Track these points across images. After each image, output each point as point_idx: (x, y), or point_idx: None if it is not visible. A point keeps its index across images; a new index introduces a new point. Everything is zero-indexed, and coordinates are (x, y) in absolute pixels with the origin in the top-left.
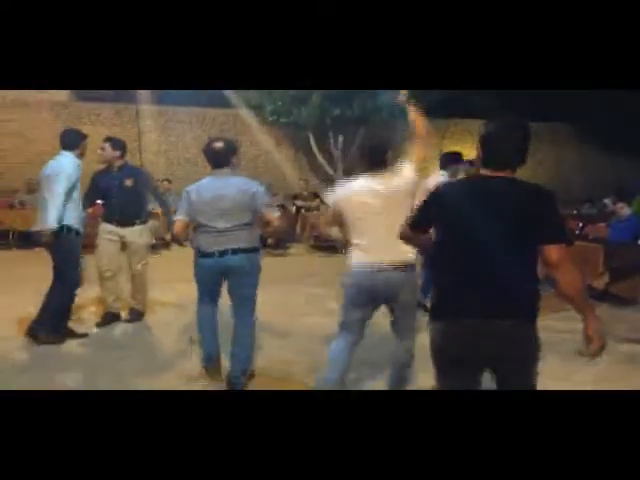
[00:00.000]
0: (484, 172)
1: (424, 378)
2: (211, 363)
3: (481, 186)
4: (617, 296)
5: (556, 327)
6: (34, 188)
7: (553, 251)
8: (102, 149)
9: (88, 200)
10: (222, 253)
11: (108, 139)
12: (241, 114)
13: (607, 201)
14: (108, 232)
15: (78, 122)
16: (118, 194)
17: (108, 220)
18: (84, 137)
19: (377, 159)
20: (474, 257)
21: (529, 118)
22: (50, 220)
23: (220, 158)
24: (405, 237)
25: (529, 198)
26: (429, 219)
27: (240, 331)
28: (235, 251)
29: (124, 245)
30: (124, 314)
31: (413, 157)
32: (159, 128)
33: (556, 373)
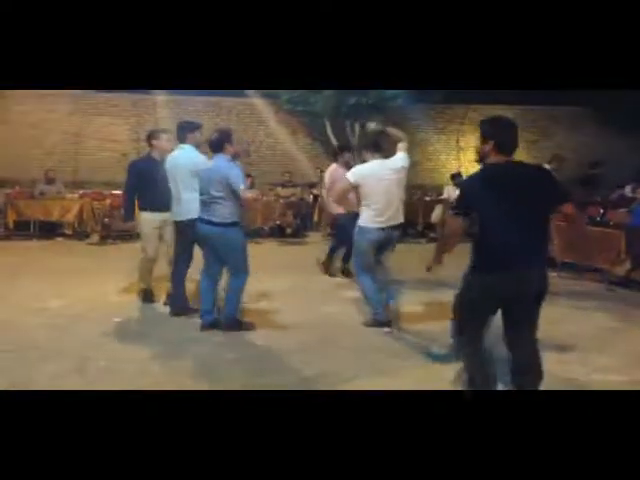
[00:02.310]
0: (497, 159)
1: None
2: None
3: (504, 170)
4: (639, 282)
5: None
6: (53, 178)
7: (567, 207)
8: (156, 139)
9: (133, 190)
10: (201, 221)
11: (163, 131)
12: (257, 103)
13: (627, 190)
14: (151, 220)
15: (95, 113)
16: (161, 182)
17: (150, 208)
18: (198, 127)
19: (379, 147)
20: (509, 224)
21: (548, 101)
22: (189, 212)
23: (213, 145)
24: (457, 225)
25: (539, 175)
26: (475, 202)
27: (228, 287)
28: (207, 222)
29: (161, 231)
30: (163, 298)
31: (403, 148)
32: (176, 118)
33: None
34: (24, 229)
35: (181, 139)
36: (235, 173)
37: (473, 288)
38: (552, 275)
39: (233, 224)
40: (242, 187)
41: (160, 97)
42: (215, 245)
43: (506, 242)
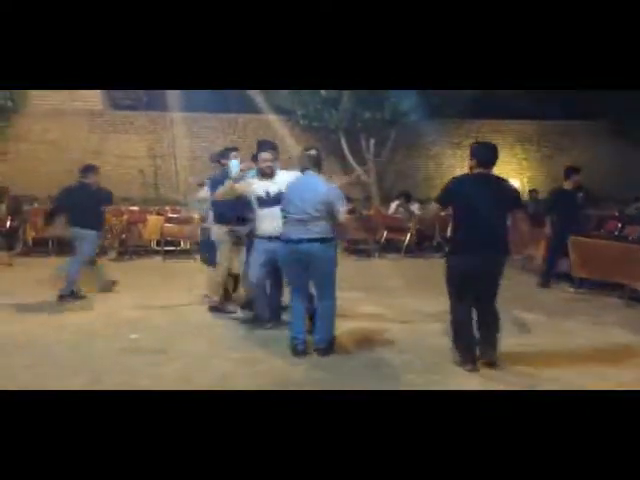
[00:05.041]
0: (478, 170)
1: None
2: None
3: (479, 178)
4: None
5: None
6: None
7: (519, 211)
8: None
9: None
10: (298, 241)
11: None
12: (272, 119)
13: None
14: (228, 231)
15: (113, 130)
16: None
17: (225, 221)
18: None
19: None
20: (478, 218)
21: (563, 116)
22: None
23: (314, 162)
24: (435, 211)
25: (504, 183)
26: (453, 197)
27: (320, 309)
28: (305, 240)
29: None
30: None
31: None
32: (192, 134)
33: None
34: (43, 246)
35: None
36: (339, 195)
37: (450, 268)
38: (569, 291)
39: (331, 239)
40: (343, 209)
41: (176, 114)
42: (314, 262)
43: (472, 232)
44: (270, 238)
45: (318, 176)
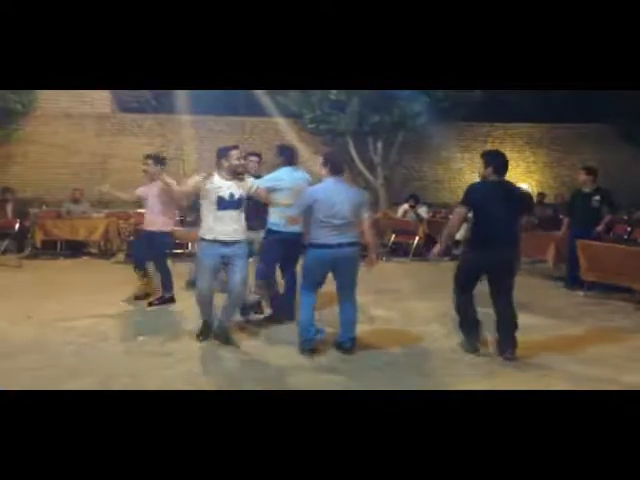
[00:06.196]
0: (493, 178)
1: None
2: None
3: (497, 184)
4: None
5: None
6: (79, 198)
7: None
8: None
9: None
10: (338, 246)
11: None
12: (280, 122)
13: None
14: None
15: (121, 133)
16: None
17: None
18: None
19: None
20: (495, 219)
21: (572, 119)
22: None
23: (339, 168)
24: (461, 213)
25: (516, 190)
26: (473, 201)
27: (347, 308)
28: (343, 245)
29: None
30: None
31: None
32: (200, 137)
33: None
34: (51, 248)
35: (291, 162)
36: (367, 198)
37: (466, 262)
38: (579, 294)
39: (358, 243)
40: (368, 212)
41: (184, 117)
42: (344, 265)
43: (490, 232)
44: (226, 243)
45: (344, 180)
